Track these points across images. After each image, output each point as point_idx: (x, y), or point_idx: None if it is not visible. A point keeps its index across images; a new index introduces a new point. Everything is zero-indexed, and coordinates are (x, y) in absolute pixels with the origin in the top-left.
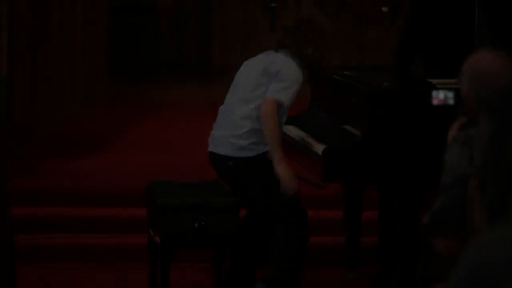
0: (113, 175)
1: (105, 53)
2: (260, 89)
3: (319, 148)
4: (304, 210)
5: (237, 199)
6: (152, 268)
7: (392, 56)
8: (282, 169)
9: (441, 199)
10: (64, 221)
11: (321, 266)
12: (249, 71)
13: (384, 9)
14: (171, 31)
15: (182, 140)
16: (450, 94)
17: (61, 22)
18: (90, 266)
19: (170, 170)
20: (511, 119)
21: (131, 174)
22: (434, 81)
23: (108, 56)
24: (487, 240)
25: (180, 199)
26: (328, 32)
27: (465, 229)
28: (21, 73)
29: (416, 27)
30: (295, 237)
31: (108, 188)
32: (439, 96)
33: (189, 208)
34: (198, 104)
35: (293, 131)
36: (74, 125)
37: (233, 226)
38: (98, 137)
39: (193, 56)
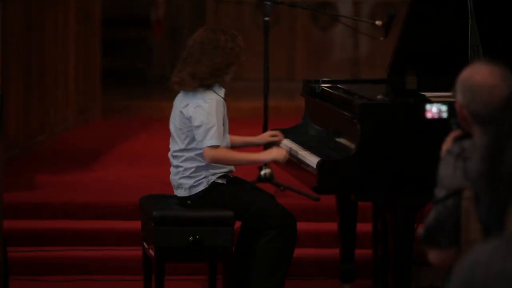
0: (107, 189)
1: (98, 66)
2: (187, 139)
3: (313, 160)
4: (293, 221)
5: (231, 212)
6: (147, 281)
7: (385, 69)
8: (266, 156)
9: (435, 211)
10: (57, 234)
11: (315, 279)
12: (174, 120)
13: (378, 22)
14: (164, 44)
15: None
16: (444, 108)
17: (54, 36)
18: (84, 279)
19: (164, 183)
20: (506, 132)
21: (125, 187)
22: (428, 94)
23: (101, 69)
24: (483, 251)
25: (174, 213)
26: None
27: (459, 241)
28: (15, 88)
29: (410, 40)
30: (279, 250)
31: (102, 201)
32: (433, 110)
33: (184, 222)
34: None
35: (286, 143)
36: (68, 139)
37: (228, 239)
38: (91, 151)
39: None
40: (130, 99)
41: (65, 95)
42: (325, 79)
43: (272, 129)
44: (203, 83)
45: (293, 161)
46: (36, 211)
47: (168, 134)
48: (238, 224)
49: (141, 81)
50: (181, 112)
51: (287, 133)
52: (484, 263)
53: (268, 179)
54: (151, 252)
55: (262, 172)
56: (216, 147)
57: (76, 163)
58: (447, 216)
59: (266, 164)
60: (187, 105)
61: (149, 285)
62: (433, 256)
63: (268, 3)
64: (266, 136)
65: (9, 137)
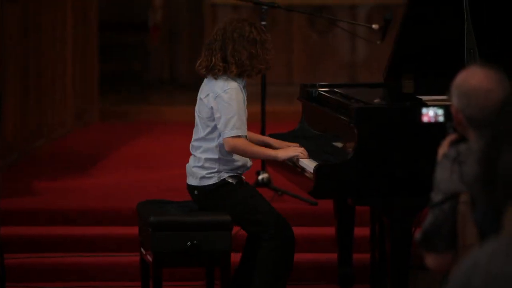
0: (105, 194)
1: (96, 70)
2: (208, 128)
3: (310, 165)
4: (290, 230)
5: (229, 217)
6: (144, 287)
7: (382, 73)
8: (283, 155)
9: (432, 215)
10: (55, 240)
11: (314, 283)
12: (197, 109)
13: (374, 26)
14: (162, 48)
15: (174, 158)
16: (440, 111)
17: (52, 40)
18: (82, 285)
19: (161, 188)
20: (502, 136)
21: (122, 192)
22: (424, 98)
23: (99, 73)
24: (481, 254)
25: (172, 218)
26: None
27: (456, 245)
28: (12, 91)
29: (406, 44)
30: (276, 261)
31: (100, 206)
32: (429, 113)
33: (181, 227)
34: (189, 121)
35: None
36: (65, 144)
37: (226, 244)
38: (89, 156)
39: (184, 73)
40: (128, 103)
41: (63, 99)
42: (322, 83)
43: (271, 134)
44: (232, 70)
45: (290, 166)
46: (34, 217)
47: (166, 138)
48: (236, 229)
49: (139, 85)
50: (203, 101)
51: (284, 138)
52: (483, 265)
53: (265, 184)
54: (149, 257)
55: (260, 177)
56: (237, 137)
57: (74, 168)
58: (443, 220)
59: (263, 169)
60: (207, 95)
61: None
62: (430, 260)
63: (265, 7)
64: (283, 143)
65: (7, 141)
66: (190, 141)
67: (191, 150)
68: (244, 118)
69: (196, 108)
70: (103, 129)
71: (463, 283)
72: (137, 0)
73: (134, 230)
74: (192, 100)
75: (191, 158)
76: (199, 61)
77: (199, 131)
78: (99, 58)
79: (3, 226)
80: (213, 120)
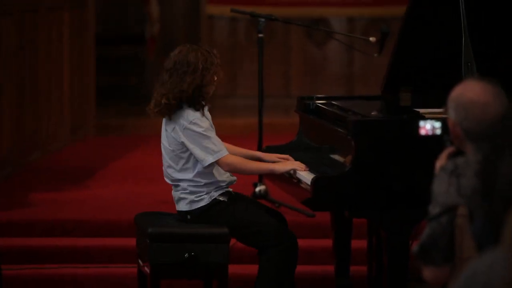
0: (102, 206)
1: (92, 84)
2: (183, 160)
3: (307, 177)
4: (293, 238)
5: (226, 229)
6: None
7: (379, 85)
8: (280, 169)
9: (429, 228)
10: (52, 251)
11: None
12: (165, 142)
13: (372, 39)
14: (158, 60)
15: None
16: (437, 124)
17: (48, 53)
18: None
19: (159, 200)
20: (499, 149)
21: (119, 204)
22: (422, 110)
23: (95, 86)
24: (480, 265)
25: (169, 230)
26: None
27: (454, 258)
28: (8, 105)
29: (403, 57)
30: (280, 267)
31: (97, 218)
32: (426, 126)
33: (179, 238)
34: None
35: None
36: (61, 157)
37: (223, 257)
38: (85, 168)
39: None
40: (124, 116)
41: (59, 112)
42: (319, 95)
43: (268, 146)
44: (186, 107)
45: (287, 178)
46: (30, 228)
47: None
48: (233, 241)
49: (135, 98)
50: (171, 135)
51: (281, 150)
52: (482, 276)
53: (263, 196)
54: (146, 269)
55: (257, 189)
56: (224, 156)
57: (70, 181)
58: (441, 233)
59: (260, 181)
60: (174, 128)
61: None
62: (428, 273)
63: (262, 19)
64: (274, 157)
65: (2, 154)
66: None
67: (169, 182)
68: (218, 139)
69: (163, 141)
70: (99, 142)
71: None
72: (134, 13)
73: (131, 242)
74: None
75: (174, 187)
76: (152, 102)
77: (171, 165)
78: (95, 71)
79: None
80: (186, 151)
